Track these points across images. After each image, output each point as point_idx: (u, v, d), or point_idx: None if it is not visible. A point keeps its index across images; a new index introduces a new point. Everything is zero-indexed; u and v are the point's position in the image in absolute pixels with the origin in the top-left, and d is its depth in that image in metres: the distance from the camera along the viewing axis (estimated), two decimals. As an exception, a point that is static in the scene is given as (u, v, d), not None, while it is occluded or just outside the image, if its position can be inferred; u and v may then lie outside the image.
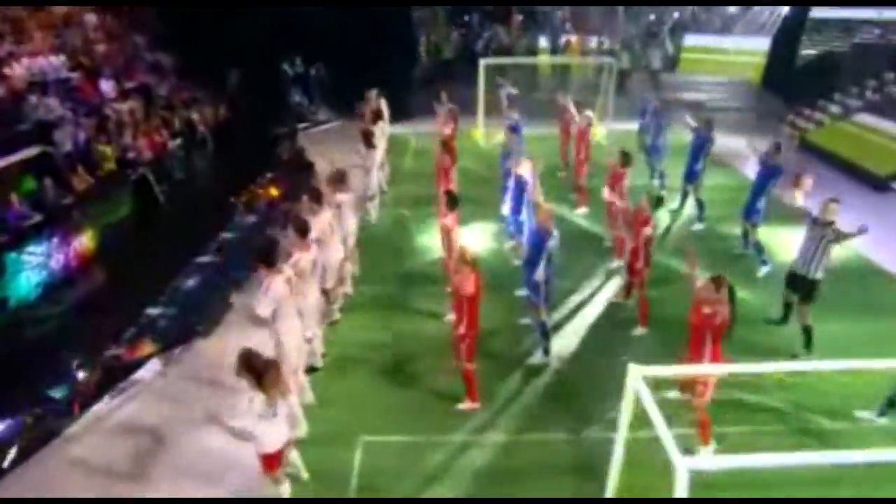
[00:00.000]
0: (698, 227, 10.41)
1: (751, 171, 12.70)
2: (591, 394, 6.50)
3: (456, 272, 5.84)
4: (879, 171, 12.23)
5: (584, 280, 8.80)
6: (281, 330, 5.50)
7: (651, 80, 19.91)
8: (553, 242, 6.50)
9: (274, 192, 12.29)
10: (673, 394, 6.37)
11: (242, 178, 12.47)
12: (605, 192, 8.56)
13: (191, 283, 8.96)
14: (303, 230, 6.11)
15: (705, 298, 5.41)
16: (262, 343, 5.26)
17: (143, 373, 6.88)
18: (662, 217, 10.61)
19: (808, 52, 19.08)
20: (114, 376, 6.76)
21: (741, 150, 11.78)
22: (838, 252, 9.33)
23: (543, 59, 18.85)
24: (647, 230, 7.09)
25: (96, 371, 6.76)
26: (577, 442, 5.90)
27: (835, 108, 15.69)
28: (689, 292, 5.85)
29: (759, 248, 8.90)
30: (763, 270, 8.84)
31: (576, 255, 9.09)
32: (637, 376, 4.39)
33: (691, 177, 10.38)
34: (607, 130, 14.83)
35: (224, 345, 7.19)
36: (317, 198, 7.09)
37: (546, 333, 6.90)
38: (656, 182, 11.54)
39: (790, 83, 17.88)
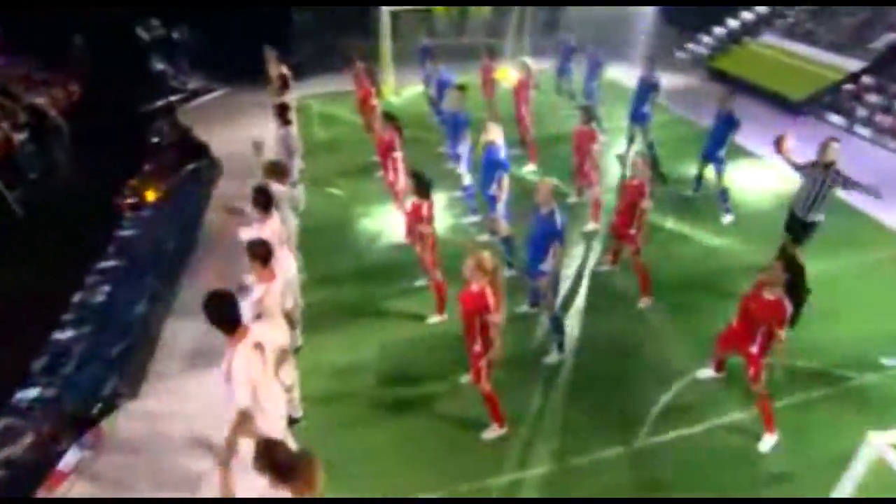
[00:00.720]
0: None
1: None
2: (622, 391, 5.76)
3: (470, 283, 4.68)
4: (794, 95, 12.44)
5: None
6: (264, 410, 4.00)
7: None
8: (563, 221, 5.53)
9: (161, 186, 10.17)
10: (706, 373, 5.85)
11: (115, 170, 10.15)
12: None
13: (80, 332, 6.74)
14: (264, 256, 4.60)
15: (771, 281, 4.69)
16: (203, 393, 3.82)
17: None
18: (612, 165, 10.06)
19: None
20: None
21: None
22: (780, 187, 9.43)
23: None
24: (646, 203, 6.31)
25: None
26: (634, 455, 5.11)
27: (737, 32, 15.81)
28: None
29: (725, 196, 8.54)
30: (727, 218, 8.53)
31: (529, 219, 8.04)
32: (881, 443, 3.63)
33: (640, 119, 9.81)
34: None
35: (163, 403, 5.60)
36: (265, 203, 5.54)
37: (560, 327, 6.00)
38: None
39: (683, 10, 17.80)
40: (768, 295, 4.71)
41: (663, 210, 8.59)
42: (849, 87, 12.23)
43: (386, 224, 8.58)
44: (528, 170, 10.02)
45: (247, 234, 5.41)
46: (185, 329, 6.61)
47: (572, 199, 9.00)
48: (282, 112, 8.28)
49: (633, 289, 6.95)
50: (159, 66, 15.49)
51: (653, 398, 5.62)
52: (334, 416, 5.48)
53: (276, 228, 5.70)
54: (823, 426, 5.33)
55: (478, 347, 4.82)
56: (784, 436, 5.15)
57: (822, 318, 6.26)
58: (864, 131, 11.32)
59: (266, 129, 11.93)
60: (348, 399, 5.70)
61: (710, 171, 8.65)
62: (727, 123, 8.20)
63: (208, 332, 5.30)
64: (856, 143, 10.95)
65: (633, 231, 6.49)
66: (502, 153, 6.81)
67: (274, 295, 4.66)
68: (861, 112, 11.68)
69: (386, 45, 12.78)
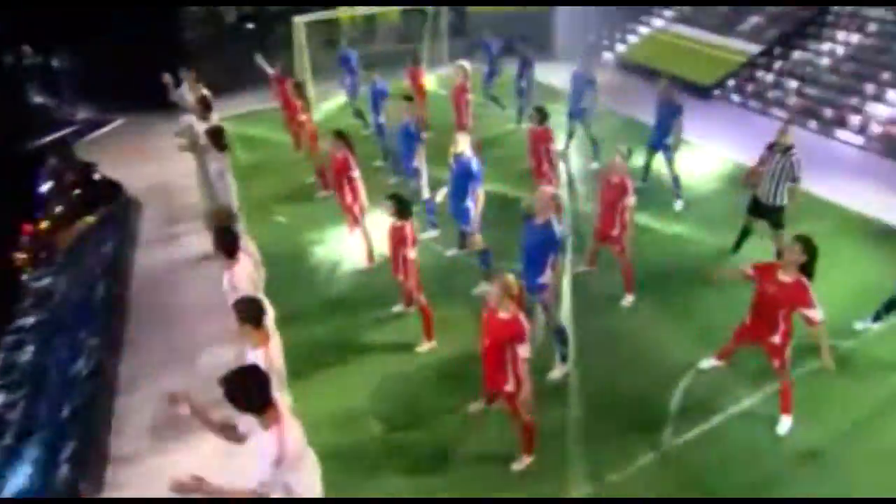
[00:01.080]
0: (595, 165, 10.05)
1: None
2: (633, 394, 5.65)
3: (495, 310, 4.33)
4: (704, 81, 13.13)
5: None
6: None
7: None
8: (563, 231, 5.32)
9: (70, 233, 8.98)
10: (708, 363, 5.87)
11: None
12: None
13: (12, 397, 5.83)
14: (256, 316, 3.97)
15: (790, 262, 4.70)
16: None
17: None
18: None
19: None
20: None
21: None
22: (713, 169, 9.91)
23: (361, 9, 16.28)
24: (630, 199, 6.25)
25: None
26: (666, 458, 5.00)
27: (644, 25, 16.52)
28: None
29: (677, 182, 8.76)
30: (678, 204, 8.76)
31: (498, 227, 7.52)
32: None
33: (578, 115, 9.89)
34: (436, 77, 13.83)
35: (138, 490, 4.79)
36: (232, 245, 4.89)
37: (565, 339, 5.78)
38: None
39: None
40: (785, 277, 4.73)
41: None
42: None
43: (344, 250, 8.02)
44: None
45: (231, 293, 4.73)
46: (139, 400, 5.79)
47: (526, 202, 8.84)
48: (216, 137, 7.49)
49: (614, 287, 6.90)
50: (38, 98, 13.82)
51: (665, 397, 5.57)
52: (351, 473, 4.92)
53: (249, 271, 5.06)
54: (824, 399, 5.50)
55: (510, 388, 4.48)
56: (794, 414, 5.24)
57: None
58: (756, 104, 12.39)
59: (179, 161, 10.96)
60: (359, 451, 5.17)
61: (657, 161, 8.86)
62: (669, 111, 8.40)
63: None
64: (750, 117, 12.02)
65: (616, 232, 6.42)
66: (474, 164, 6.51)
67: (276, 359, 4.05)
68: (753, 88, 12.71)
69: (304, 56, 12.05)
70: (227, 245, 4.97)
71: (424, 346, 6.20)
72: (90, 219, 9.04)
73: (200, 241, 8.43)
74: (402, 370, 6.03)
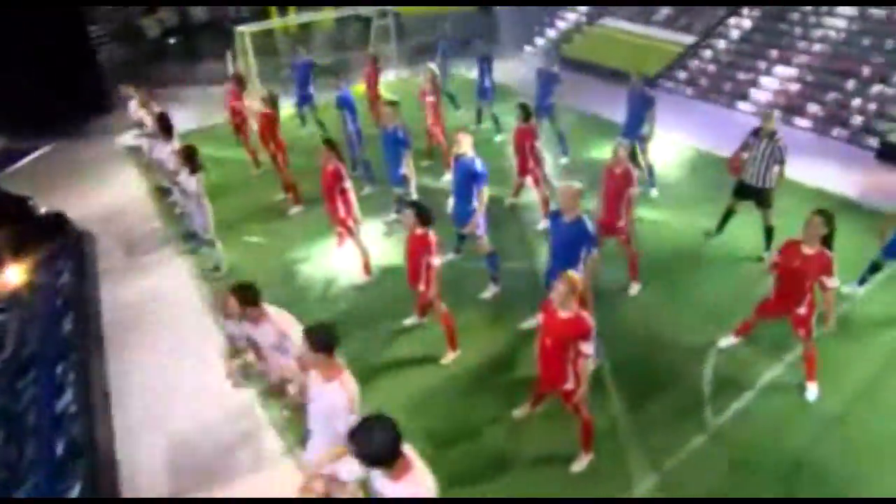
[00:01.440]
0: (565, 160, 10.20)
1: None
2: (666, 380, 5.77)
3: (556, 309, 4.24)
4: (646, 73, 13.63)
5: (528, 254, 7.81)
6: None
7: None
8: (590, 228, 5.30)
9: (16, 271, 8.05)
10: (727, 341, 6.05)
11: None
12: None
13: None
14: (331, 344, 3.59)
15: (812, 235, 4.92)
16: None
17: None
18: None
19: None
20: None
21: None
22: (676, 156, 10.33)
23: (294, 19, 15.59)
24: (634, 190, 6.38)
25: None
26: (715, 438, 5.12)
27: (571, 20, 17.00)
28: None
29: (651, 170, 9.03)
30: (653, 192, 9.04)
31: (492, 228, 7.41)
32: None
33: (546, 110, 10.05)
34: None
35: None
36: (255, 297, 4.41)
37: (597, 334, 5.75)
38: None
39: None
40: (809, 250, 4.96)
41: (592, 193, 8.85)
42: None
43: (334, 265, 7.66)
44: (447, 180, 9.67)
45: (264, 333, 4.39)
46: (145, 444, 5.32)
47: (509, 201, 8.86)
48: (190, 158, 6.95)
49: (619, 277, 6.99)
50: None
51: (695, 379, 5.73)
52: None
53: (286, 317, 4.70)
54: (839, 363, 5.80)
55: (570, 385, 4.43)
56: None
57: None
58: (692, 91, 13.16)
59: (121, 188, 10.19)
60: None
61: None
62: (642, 102, 8.65)
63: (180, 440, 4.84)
64: (691, 104, 12.77)
65: (622, 223, 6.50)
66: (478, 164, 6.39)
67: (353, 386, 3.73)
68: (684, 75, 13.53)
69: (251, 66, 11.46)
70: (251, 298, 4.40)
71: (450, 357, 6.02)
72: (38, 255, 8.15)
73: (167, 269, 7.85)
74: (430, 384, 5.82)
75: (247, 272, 7.63)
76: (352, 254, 7.40)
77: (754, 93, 12.42)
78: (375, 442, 2.73)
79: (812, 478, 4.76)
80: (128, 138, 11.71)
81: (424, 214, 5.42)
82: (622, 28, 15.36)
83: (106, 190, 10.10)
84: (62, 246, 8.44)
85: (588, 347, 4.25)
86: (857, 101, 11.27)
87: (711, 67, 13.46)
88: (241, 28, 11.36)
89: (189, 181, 7.10)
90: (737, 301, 6.51)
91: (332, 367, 3.63)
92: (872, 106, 11.04)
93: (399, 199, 8.23)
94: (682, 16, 14.92)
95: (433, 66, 9.57)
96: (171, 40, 16.79)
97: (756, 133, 7.01)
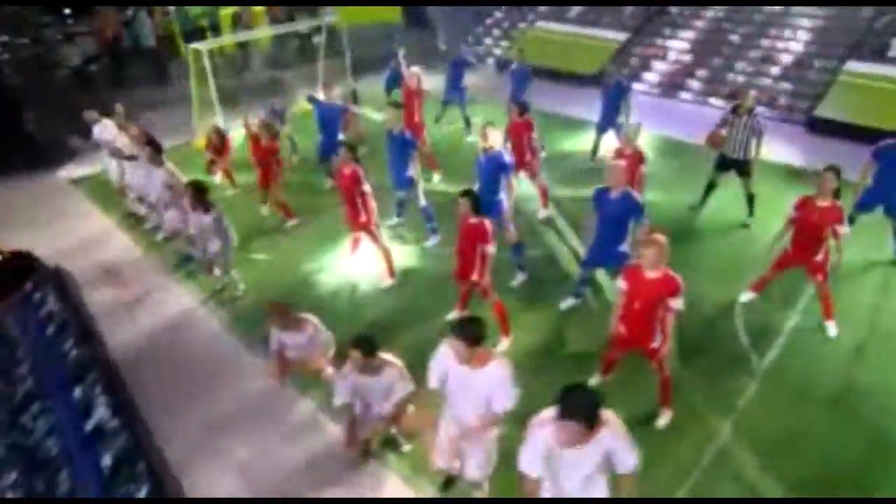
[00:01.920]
0: (543, 154, 10.60)
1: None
2: (708, 337, 6.27)
3: (644, 271, 4.54)
4: (587, 71, 14.47)
5: (540, 242, 8.17)
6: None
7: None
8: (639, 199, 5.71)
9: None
10: (747, 296, 6.61)
11: None
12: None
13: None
14: (479, 334, 3.78)
15: (825, 190, 5.54)
16: None
17: None
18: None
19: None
20: None
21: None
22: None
23: (260, 34, 14.89)
24: (646, 168, 6.87)
25: None
26: (765, 380, 5.66)
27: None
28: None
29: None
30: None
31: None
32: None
33: (454, 97, 11.08)
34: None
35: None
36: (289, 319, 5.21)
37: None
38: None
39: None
40: (823, 203, 5.63)
41: (575, 183, 9.37)
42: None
43: (352, 272, 7.57)
44: (438, 180, 9.82)
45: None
46: (208, 465, 5.03)
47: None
48: (200, 195, 6.60)
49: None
50: None
51: (731, 334, 6.26)
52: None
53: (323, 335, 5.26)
54: (851, 306, 6.51)
55: (656, 344, 4.75)
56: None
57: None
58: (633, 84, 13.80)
59: (79, 220, 9.50)
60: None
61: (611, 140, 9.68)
62: (617, 93, 9.25)
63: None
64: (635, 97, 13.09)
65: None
66: (506, 156, 6.61)
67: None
68: (627, 71, 14.21)
69: (210, 84, 10.98)
70: (287, 320, 5.24)
71: (504, 343, 6.16)
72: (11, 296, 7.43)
73: (168, 298, 7.45)
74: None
75: (259, 289, 7.42)
76: (366, 258, 7.39)
77: (689, 82, 13.55)
78: (588, 405, 3.04)
79: (858, 395, 5.45)
80: (72, 169, 10.95)
81: (478, 203, 5.55)
82: (555, 29, 16.16)
83: (65, 226, 9.31)
84: (36, 283, 7.74)
85: (679, 303, 4.56)
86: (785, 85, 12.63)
87: (656, 63, 14.49)
88: (194, 45, 10.87)
89: (203, 219, 6.76)
90: (737, 262, 7.25)
91: (483, 354, 3.77)
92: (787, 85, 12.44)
93: (401, 202, 8.29)
94: (590, 13, 16.02)
95: (416, 69, 9.73)
96: (93, 68, 15.77)
97: (735, 110, 7.73)
